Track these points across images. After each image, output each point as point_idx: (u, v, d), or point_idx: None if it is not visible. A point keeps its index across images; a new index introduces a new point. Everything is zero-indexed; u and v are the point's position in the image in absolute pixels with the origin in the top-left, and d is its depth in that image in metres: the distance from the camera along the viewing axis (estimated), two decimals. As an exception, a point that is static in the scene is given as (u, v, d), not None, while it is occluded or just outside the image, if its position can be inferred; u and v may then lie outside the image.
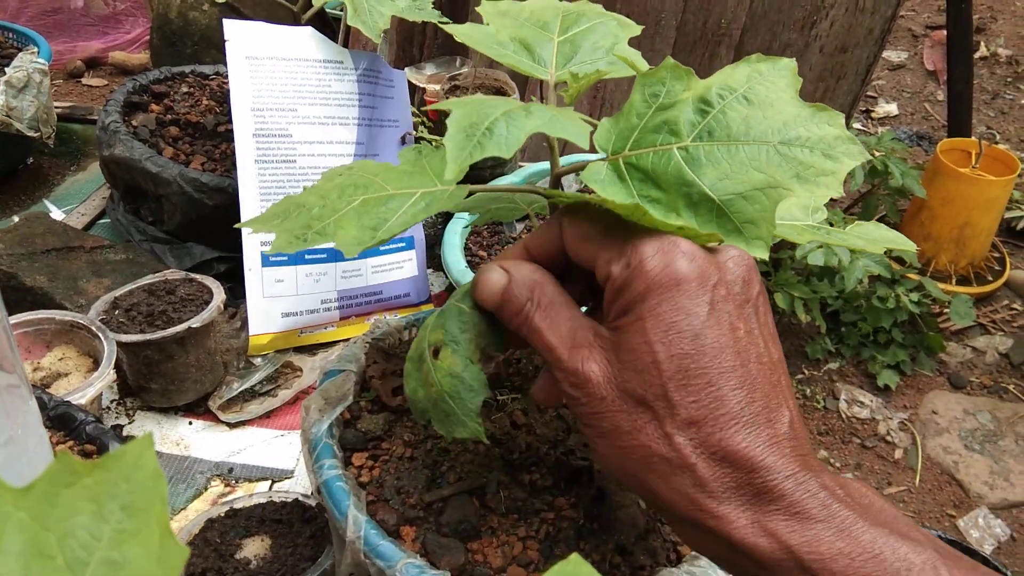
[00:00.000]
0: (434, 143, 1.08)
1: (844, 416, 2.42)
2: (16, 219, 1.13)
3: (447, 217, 1.17)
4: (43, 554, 0.26)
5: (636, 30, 0.69)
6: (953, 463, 2.30)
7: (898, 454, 2.33)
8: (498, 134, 0.49)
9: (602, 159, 0.56)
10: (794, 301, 2.33)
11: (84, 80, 3.47)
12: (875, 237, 0.59)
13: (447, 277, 1.05)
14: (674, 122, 0.54)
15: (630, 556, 0.61)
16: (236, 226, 0.69)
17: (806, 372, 2.54)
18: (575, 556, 0.34)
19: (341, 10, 2.33)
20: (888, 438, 2.37)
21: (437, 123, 1.26)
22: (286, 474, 0.84)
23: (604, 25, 0.67)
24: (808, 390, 2.47)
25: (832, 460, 2.31)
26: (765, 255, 0.51)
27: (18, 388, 0.52)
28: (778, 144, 0.51)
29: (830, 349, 2.56)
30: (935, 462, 2.31)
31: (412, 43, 2.56)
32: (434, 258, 1.17)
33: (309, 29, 1.01)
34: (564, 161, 0.94)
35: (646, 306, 0.41)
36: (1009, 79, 3.99)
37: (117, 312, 0.86)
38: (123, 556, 0.26)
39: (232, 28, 0.95)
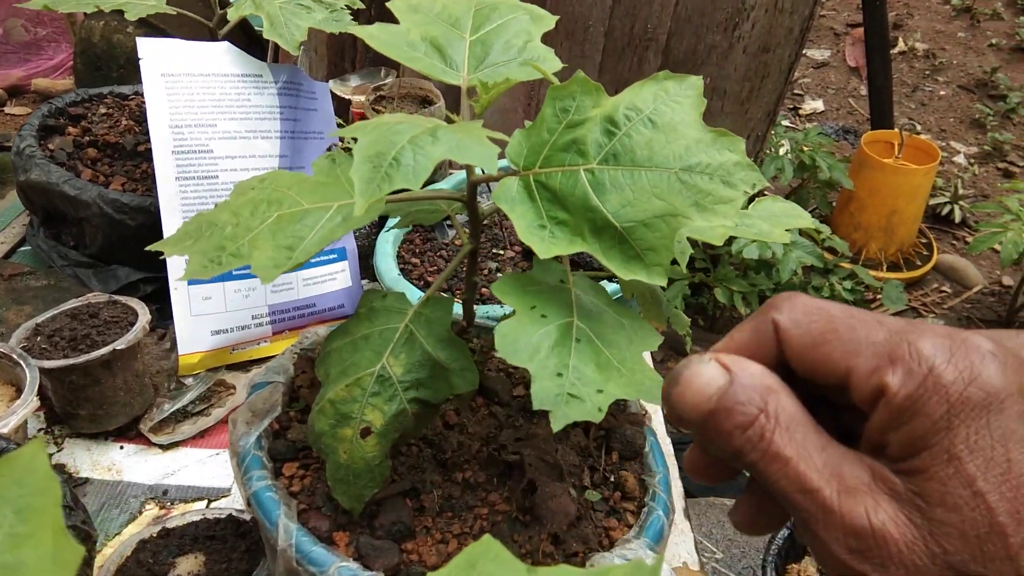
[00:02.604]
0: (346, 148, 1.09)
1: (788, 405, 2.48)
2: (-70, 251, 1.09)
3: (379, 226, 1.17)
4: (-66, 562, 0.25)
5: (550, 23, 0.69)
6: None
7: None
8: (405, 164, 0.48)
9: (514, 173, 0.57)
10: (733, 295, 2.38)
11: (7, 109, 3.38)
12: (775, 212, 0.61)
13: (380, 286, 1.05)
14: (582, 141, 0.55)
15: (563, 544, 0.61)
16: (148, 248, 0.69)
17: (749, 364, 2.60)
18: (487, 537, 0.34)
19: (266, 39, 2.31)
20: (831, 423, 2.43)
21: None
22: (223, 492, 0.83)
23: (517, 21, 0.68)
24: (752, 381, 2.53)
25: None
26: (663, 282, 0.52)
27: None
28: (679, 171, 0.52)
29: (771, 340, 2.62)
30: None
31: (343, 57, 2.56)
32: (368, 268, 1.17)
33: (225, 44, 1.00)
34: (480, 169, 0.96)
35: (957, 438, 0.29)
36: (927, 72, 4.15)
37: (39, 338, 0.84)
38: (17, 559, 0.26)
39: (146, 46, 0.94)
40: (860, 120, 3.87)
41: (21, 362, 0.79)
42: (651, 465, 0.70)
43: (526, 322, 0.55)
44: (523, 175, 0.57)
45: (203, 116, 0.95)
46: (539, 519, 0.62)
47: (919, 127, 3.80)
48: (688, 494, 1.08)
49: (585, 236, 0.54)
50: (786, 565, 1.24)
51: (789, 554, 1.25)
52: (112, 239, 0.97)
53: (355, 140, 0.55)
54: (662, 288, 0.71)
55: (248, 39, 2.32)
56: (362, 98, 1.25)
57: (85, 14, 2.06)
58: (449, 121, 0.60)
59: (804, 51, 2.69)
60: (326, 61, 2.48)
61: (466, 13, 0.71)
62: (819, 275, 2.59)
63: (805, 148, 2.73)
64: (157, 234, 0.93)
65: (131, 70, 2.13)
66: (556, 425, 0.50)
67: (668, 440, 0.98)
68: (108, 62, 2.17)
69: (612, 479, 0.68)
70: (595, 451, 0.71)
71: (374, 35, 0.67)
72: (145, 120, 1.09)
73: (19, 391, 0.81)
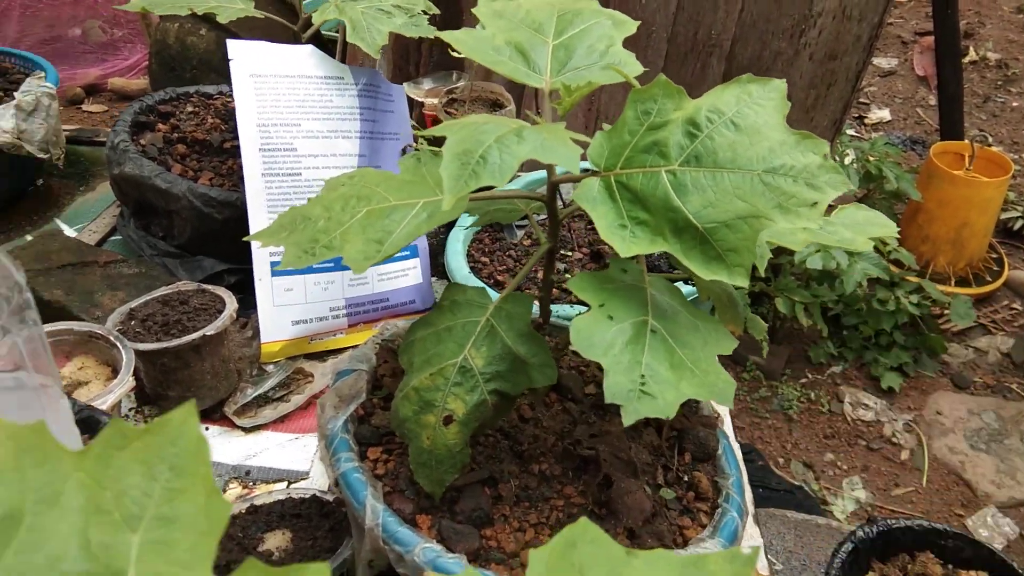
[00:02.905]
0: (430, 149, 1.11)
1: (849, 419, 2.44)
2: (30, 238, 1.15)
3: (449, 226, 1.20)
4: (101, 510, 0.28)
5: (632, 28, 0.71)
6: (959, 463, 2.31)
7: (904, 455, 2.34)
8: (492, 162, 0.51)
9: (595, 174, 0.58)
10: (795, 306, 2.35)
11: (84, 106, 3.52)
12: (858, 220, 0.61)
13: (451, 283, 1.07)
14: (664, 143, 0.56)
15: (638, 539, 0.63)
16: (245, 239, 0.72)
17: (809, 376, 2.56)
18: (583, 519, 0.36)
19: (336, 31, 2.37)
20: (894, 439, 2.38)
21: (437, 137, 1.29)
22: (302, 475, 0.86)
23: (599, 26, 0.70)
24: (812, 394, 2.49)
25: (839, 463, 2.32)
26: (745, 283, 0.53)
27: (51, 388, 0.55)
28: (762, 173, 0.53)
29: (832, 353, 2.58)
30: (941, 462, 2.32)
31: (408, 60, 2.60)
32: (437, 266, 1.19)
33: (310, 47, 1.04)
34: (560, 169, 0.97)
35: None
36: (999, 82, 4.03)
37: (133, 323, 0.88)
38: (173, 512, 0.29)
39: (236, 48, 0.99)
40: (928, 130, 3.78)
41: (118, 344, 0.83)
42: (724, 467, 0.70)
43: (601, 318, 0.57)
44: (604, 175, 0.58)
45: (288, 116, 0.99)
46: (615, 513, 0.63)
47: (991, 139, 3.69)
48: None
49: (666, 236, 0.55)
50: (848, 578, 1.23)
51: (852, 569, 1.24)
52: (199, 231, 1.02)
53: (427, 140, 0.57)
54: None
55: (318, 43, 2.37)
56: (434, 100, 1.28)
57: (160, 17, 2.14)
58: (531, 123, 0.61)
59: (871, 59, 2.64)
60: (392, 65, 2.53)
61: (549, 18, 0.72)
62: (884, 288, 2.54)
63: (871, 158, 2.68)
64: (242, 227, 0.97)
65: (203, 71, 2.21)
66: (627, 420, 0.51)
67: (736, 445, 0.98)
68: (182, 63, 2.26)
69: (685, 479, 0.69)
70: (667, 451, 0.72)
71: (461, 40, 0.70)
72: (230, 119, 1.14)
73: (114, 371, 0.86)
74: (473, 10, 0.73)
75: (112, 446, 0.29)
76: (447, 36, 0.70)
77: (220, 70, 2.17)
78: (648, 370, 0.52)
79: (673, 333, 0.56)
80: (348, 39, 0.97)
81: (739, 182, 0.53)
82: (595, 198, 0.57)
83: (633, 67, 0.68)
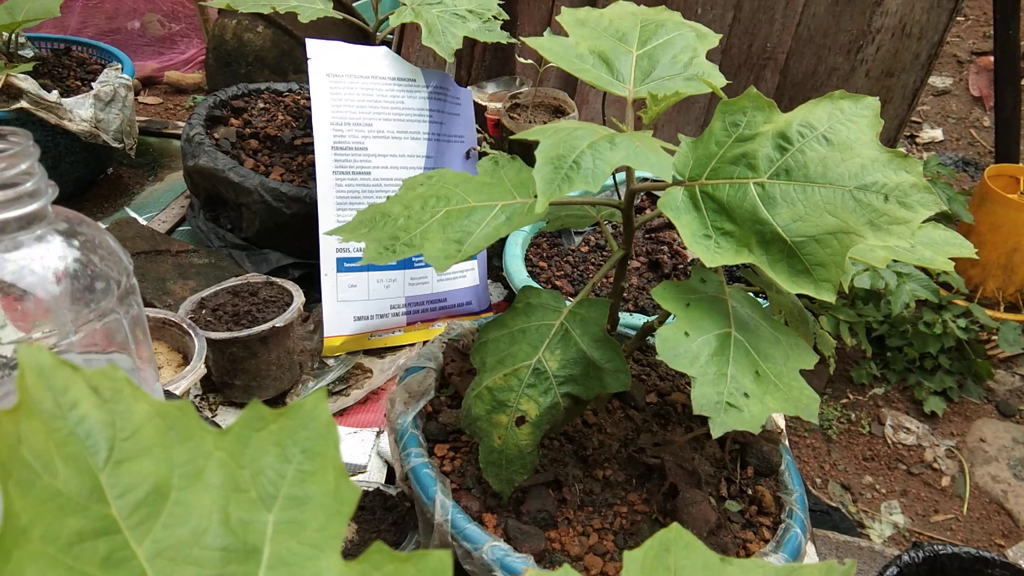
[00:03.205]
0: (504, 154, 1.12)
1: (890, 442, 2.40)
2: (104, 226, 1.19)
3: (508, 230, 1.21)
4: (239, 488, 0.29)
5: (715, 40, 0.71)
6: (1002, 492, 2.27)
7: (945, 482, 2.30)
8: (585, 167, 0.51)
9: (679, 183, 0.59)
10: (839, 324, 2.32)
11: (140, 98, 3.60)
12: (935, 239, 0.61)
13: (506, 287, 1.09)
14: (752, 156, 0.56)
15: (703, 548, 0.63)
16: (325, 233, 0.74)
17: (851, 397, 2.53)
18: (675, 525, 0.37)
19: (391, 34, 2.41)
20: (935, 465, 2.34)
21: (498, 139, 1.30)
22: (360, 469, 0.88)
23: (683, 37, 0.70)
24: (853, 415, 2.46)
25: (878, 486, 2.29)
26: (832, 298, 0.53)
27: (146, 371, 0.57)
28: (854, 189, 0.53)
29: (875, 374, 2.55)
30: (983, 491, 2.28)
31: (460, 64, 2.63)
32: (493, 269, 1.21)
33: (384, 48, 1.06)
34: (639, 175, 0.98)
35: None
36: (1057, 106, 3.94)
37: (204, 311, 0.91)
38: (305, 492, 0.30)
39: (314, 47, 1.01)
40: (982, 152, 3.71)
41: (190, 331, 0.86)
42: (787, 483, 0.70)
43: (686, 328, 0.57)
44: (688, 185, 0.59)
45: (361, 115, 1.01)
46: (679, 523, 0.64)
47: (1046, 164, 3.61)
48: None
49: (752, 248, 0.55)
50: (892, 604, 1.21)
51: (896, 593, 1.22)
52: (268, 225, 1.04)
53: (492, 144, 0.58)
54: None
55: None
56: (498, 105, 1.29)
57: (219, 12, 2.18)
58: (617, 130, 0.62)
59: (928, 77, 2.61)
60: (455, 70, 2.56)
61: (633, 28, 0.73)
62: (931, 311, 2.51)
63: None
64: (310, 223, 0.99)
65: (258, 67, 2.26)
66: (716, 431, 0.52)
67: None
68: (237, 59, 2.31)
69: (748, 492, 0.70)
70: (730, 464, 0.72)
71: (546, 47, 0.71)
72: (300, 116, 1.17)
73: (185, 358, 0.88)
74: (557, 18, 0.74)
75: (250, 427, 0.30)
76: (532, 43, 0.70)
77: (275, 67, 2.21)
78: (734, 382, 0.53)
79: (756, 346, 0.56)
80: (424, 42, 0.98)
81: (830, 197, 0.53)
82: (679, 207, 0.57)
83: (718, 79, 0.68)
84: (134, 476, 0.28)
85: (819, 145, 0.56)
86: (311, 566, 0.29)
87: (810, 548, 0.84)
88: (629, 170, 0.67)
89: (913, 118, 4.00)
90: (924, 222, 0.65)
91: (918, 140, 3.83)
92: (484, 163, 0.73)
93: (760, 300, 0.95)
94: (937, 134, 3.84)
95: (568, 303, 0.67)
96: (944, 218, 2.70)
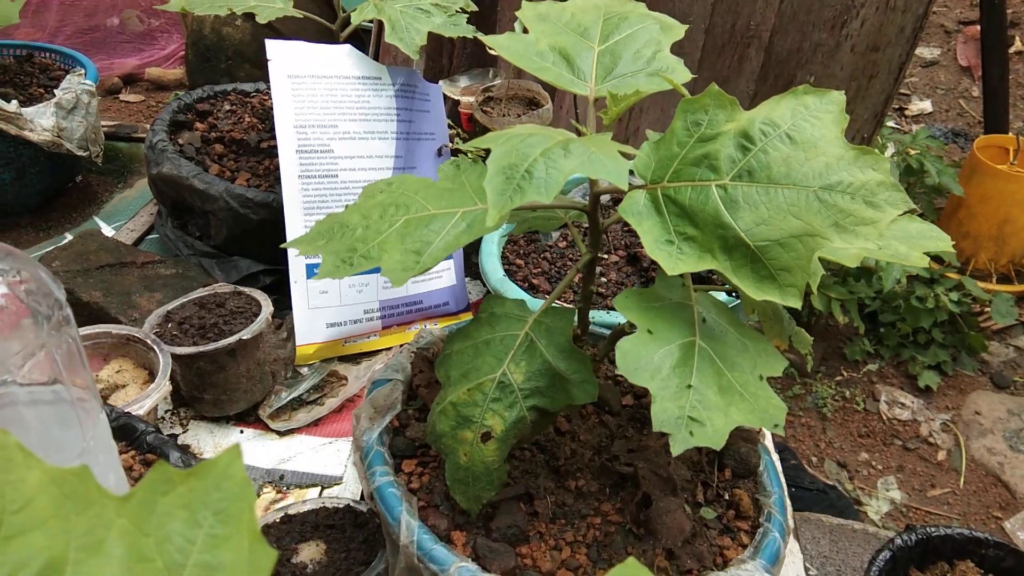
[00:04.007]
0: (470, 154, 1.10)
1: (885, 418, 2.40)
2: (70, 236, 1.17)
3: (484, 226, 1.19)
4: (144, 558, 0.28)
5: (680, 32, 0.69)
6: (998, 464, 2.26)
7: (941, 456, 2.30)
8: (537, 177, 0.49)
9: (641, 187, 0.56)
10: (831, 302, 2.31)
11: (121, 96, 3.55)
12: (911, 232, 0.58)
13: (485, 285, 1.06)
14: (714, 156, 0.54)
15: (677, 560, 0.61)
16: (283, 246, 0.72)
17: (845, 374, 2.52)
18: (631, 560, 0.35)
19: (370, 21, 2.36)
20: (930, 440, 2.34)
21: (472, 134, 1.28)
22: (335, 480, 0.86)
23: (646, 30, 0.68)
24: (847, 392, 2.45)
25: (874, 463, 2.28)
26: (798, 304, 0.51)
27: (89, 402, 0.55)
28: (819, 189, 0.51)
29: (869, 350, 2.54)
30: (979, 463, 2.27)
31: (441, 55, 2.59)
32: (471, 267, 1.19)
33: (348, 47, 1.03)
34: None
35: None
36: (1047, 73, 3.91)
37: (170, 325, 0.89)
38: (216, 559, 0.28)
39: (274, 48, 0.98)
40: (971, 123, 3.69)
41: (155, 347, 0.84)
42: (766, 484, 0.69)
43: (648, 340, 0.55)
44: (650, 188, 0.57)
45: (325, 117, 0.98)
46: (653, 533, 0.62)
47: (1037, 131, 3.58)
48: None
49: (715, 253, 0.53)
50: (886, 587, 1.21)
51: (890, 576, 1.22)
52: (236, 232, 1.02)
53: (464, 141, 0.56)
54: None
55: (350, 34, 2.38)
56: (471, 99, 1.27)
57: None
58: (577, 132, 0.60)
59: (915, 50, 2.58)
60: (423, 62, 2.52)
61: (595, 23, 0.70)
62: (923, 285, 2.49)
63: (912, 151, 2.61)
64: (278, 228, 0.97)
65: (238, 61, 2.22)
66: (676, 449, 0.50)
67: (776, 456, 0.96)
68: (217, 53, 2.27)
69: (726, 497, 0.68)
70: (707, 467, 0.70)
71: (504, 45, 0.68)
72: (267, 118, 1.14)
73: (151, 374, 0.86)
74: (517, 13, 0.71)
75: (156, 491, 0.29)
76: (489, 40, 0.68)
77: (255, 61, 2.18)
78: (696, 395, 0.51)
79: (721, 354, 0.54)
80: (386, 39, 0.96)
81: (794, 199, 0.51)
82: (641, 212, 0.55)
83: (682, 74, 0.66)
84: (24, 552, 0.26)
85: (782, 144, 0.53)
86: (222, 640, 0.27)
87: (794, 545, 0.83)
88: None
89: (902, 90, 3.96)
90: (901, 215, 0.63)
91: (907, 112, 3.80)
92: (445, 168, 0.71)
93: (733, 299, 0.94)
94: (926, 106, 3.81)
95: (533, 312, 0.65)
96: (934, 190, 2.68)
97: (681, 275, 0.62)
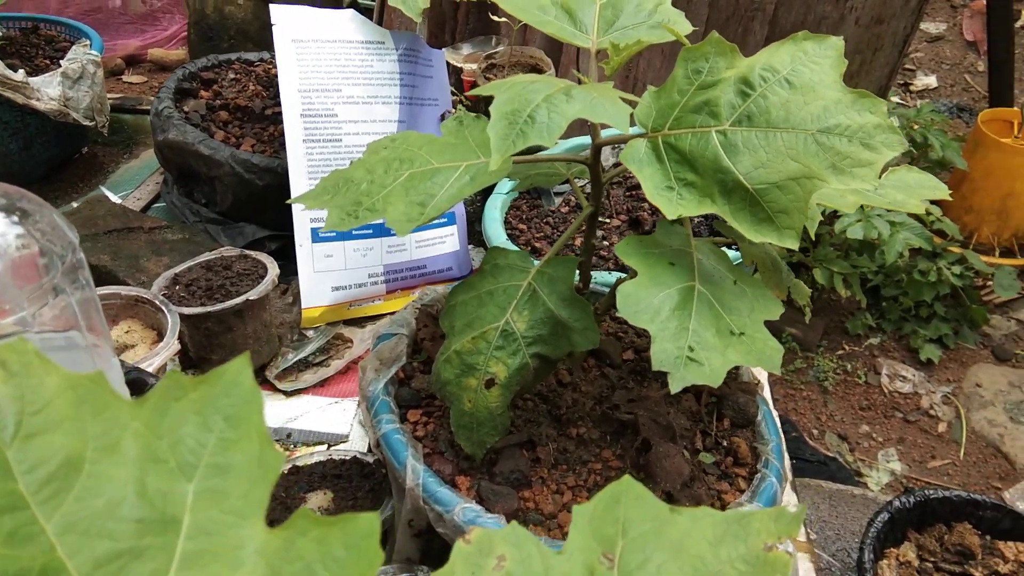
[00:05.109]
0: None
1: (886, 391, 2.41)
2: (76, 205, 1.18)
3: (486, 193, 1.19)
4: (157, 459, 0.29)
5: None
6: (999, 436, 2.27)
7: (942, 428, 2.31)
8: (540, 121, 0.50)
9: (641, 135, 0.57)
10: (833, 276, 2.31)
11: (124, 77, 3.55)
12: (908, 182, 0.59)
13: (492, 247, 1.07)
14: (714, 103, 0.55)
15: (676, 503, 0.63)
16: (288, 201, 0.73)
17: (847, 348, 2.52)
18: (627, 476, 0.36)
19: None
20: (931, 412, 2.35)
21: (475, 102, 1.28)
22: (341, 438, 0.88)
23: (648, -16, 0.68)
24: (849, 366, 2.46)
25: (874, 435, 2.30)
26: (796, 245, 0.52)
27: (102, 347, 0.56)
28: (816, 132, 0.51)
29: (871, 324, 2.54)
30: (980, 435, 2.29)
31: (444, 28, 2.58)
32: (474, 234, 1.19)
33: (351, 11, 1.04)
34: (605, 132, 0.96)
35: None
36: (1053, 47, 3.89)
37: (178, 287, 0.90)
38: (227, 461, 0.29)
39: (278, 12, 0.99)
40: (976, 98, 3.67)
41: (163, 308, 0.85)
42: (764, 433, 0.70)
43: (648, 284, 0.56)
44: (651, 137, 0.57)
45: (329, 81, 0.99)
46: (653, 477, 0.63)
47: (1042, 106, 3.57)
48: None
49: (715, 198, 0.54)
50: (884, 549, 1.22)
51: (888, 538, 1.23)
52: (241, 197, 1.03)
53: (467, 106, 0.57)
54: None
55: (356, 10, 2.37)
56: (474, 66, 1.27)
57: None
58: (579, 82, 0.61)
59: (919, 23, 2.57)
60: (426, 32, 2.52)
61: (596, -23, 0.71)
62: (926, 259, 2.49)
63: (916, 126, 2.61)
64: (284, 194, 0.98)
65: (241, 40, 2.22)
66: (674, 387, 0.51)
67: (775, 412, 0.97)
68: (220, 32, 2.27)
69: (724, 444, 0.69)
70: (706, 416, 0.72)
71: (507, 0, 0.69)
72: (271, 86, 1.15)
73: (160, 335, 0.87)
74: (516, -32, 0.71)
75: (168, 397, 0.30)
76: (493, -4, 0.68)
77: (258, 39, 2.18)
78: (695, 336, 0.52)
79: (720, 299, 0.55)
80: (391, 2, 0.96)
81: (792, 142, 0.52)
82: (642, 159, 0.56)
83: (683, 26, 0.66)
84: (44, 450, 0.27)
85: (781, 89, 0.54)
86: (233, 534, 0.28)
87: (792, 497, 0.84)
88: (594, 127, 0.66)
89: (907, 66, 3.94)
90: (897, 165, 0.64)
91: (912, 88, 3.78)
92: (448, 123, 0.72)
93: (732, 252, 0.94)
94: (931, 81, 3.79)
95: (535, 263, 0.66)
96: (938, 165, 2.67)
97: (681, 223, 0.63)
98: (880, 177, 0.63)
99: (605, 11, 0.67)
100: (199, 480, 0.29)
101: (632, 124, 0.59)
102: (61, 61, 1.24)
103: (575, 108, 0.51)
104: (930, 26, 4.12)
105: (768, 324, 0.56)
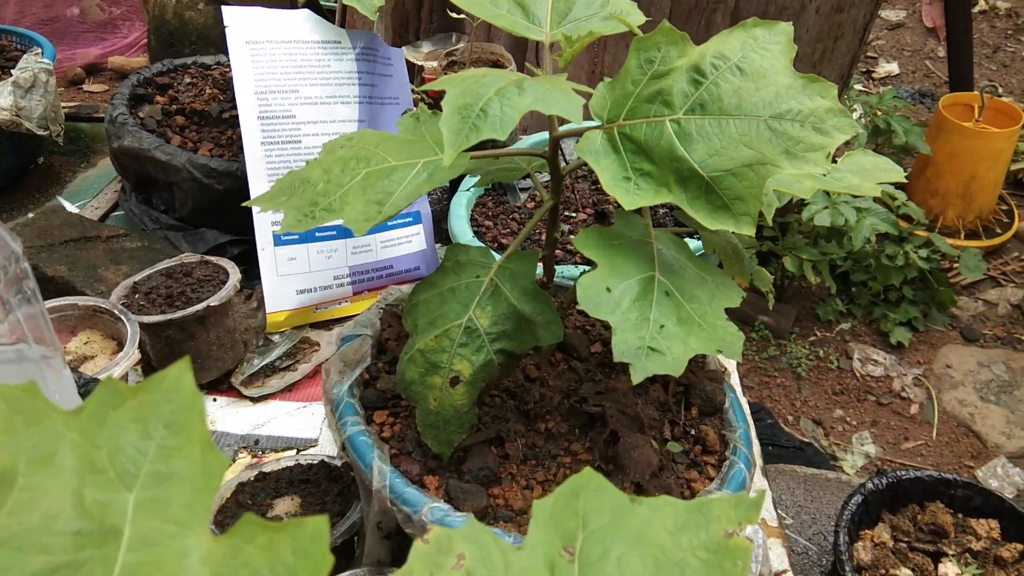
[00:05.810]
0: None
1: (858, 375, 2.43)
2: (32, 215, 1.15)
3: (452, 191, 1.19)
4: (96, 469, 0.28)
5: None
6: (969, 415, 2.31)
7: (914, 409, 2.34)
8: (492, 115, 0.50)
9: (597, 127, 0.57)
10: (803, 264, 2.33)
11: (85, 86, 3.49)
12: (864, 166, 0.60)
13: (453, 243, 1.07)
14: (667, 92, 0.55)
15: (646, 493, 0.63)
16: (244, 204, 0.72)
17: (818, 334, 2.55)
18: (588, 469, 0.36)
19: (334, 1, 2.34)
20: (903, 394, 2.38)
21: (437, 100, 1.27)
22: (310, 443, 0.87)
23: (599, -22, 0.68)
24: (821, 351, 2.48)
25: (848, 419, 2.32)
26: (752, 231, 0.52)
27: (53, 359, 0.54)
28: (769, 118, 0.52)
29: (841, 310, 2.57)
30: (951, 415, 2.32)
31: (408, 28, 2.57)
32: (440, 232, 1.19)
33: (305, 11, 1.02)
34: (564, 126, 0.96)
35: None
36: (1009, 31, 3.96)
37: (137, 296, 0.88)
38: (169, 469, 0.28)
39: (231, 14, 0.97)
40: (937, 83, 3.72)
41: (122, 317, 0.84)
42: (731, 421, 0.70)
43: (608, 275, 0.56)
44: (607, 127, 0.57)
45: (286, 82, 0.98)
46: (622, 468, 0.63)
47: (1001, 89, 3.63)
48: (760, 457, 1.08)
49: (671, 187, 0.54)
50: (859, 531, 1.23)
51: (863, 521, 1.24)
52: (201, 203, 1.01)
53: (428, 103, 0.56)
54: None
55: (316, 12, 2.35)
56: (434, 64, 1.26)
57: (158, -8, 2.11)
58: (531, 75, 0.60)
59: (878, 12, 2.60)
60: (391, 33, 2.50)
61: (548, -31, 0.71)
62: (893, 243, 2.52)
63: (879, 112, 2.64)
64: (244, 197, 0.96)
65: (202, 45, 2.19)
66: (636, 377, 0.51)
67: (744, 399, 0.98)
68: (180, 38, 2.24)
69: (692, 433, 0.69)
70: (674, 406, 0.72)
71: (459, -7, 0.68)
72: (228, 88, 1.13)
73: (120, 345, 0.86)
74: (468, -39, 0.71)
75: (106, 405, 0.29)
76: (443, -10, 0.68)
77: (219, 44, 2.15)
78: (656, 326, 0.52)
79: (680, 288, 0.55)
80: (345, 0, 0.95)
81: (745, 128, 0.52)
82: (598, 151, 0.56)
83: (636, 16, 0.66)
84: (-27, 465, 0.26)
85: (733, 76, 0.54)
86: (177, 544, 0.27)
87: (763, 483, 0.85)
88: (552, 121, 0.65)
89: (869, 53, 3.99)
90: (853, 149, 0.64)
91: (874, 75, 3.82)
92: (405, 120, 0.71)
93: (695, 241, 0.95)
94: (893, 68, 3.84)
95: (497, 258, 0.66)
96: (902, 150, 2.71)
97: (640, 213, 0.63)
98: (837, 162, 0.64)
99: (558, 4, 0.67)
100: (140, 489, 0.28)
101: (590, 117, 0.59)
102: (12, 70, 1.22)
103: (527, 101, 0.51)
104: (890, 14, 4.18)
105: (740, 312, 0.57)
